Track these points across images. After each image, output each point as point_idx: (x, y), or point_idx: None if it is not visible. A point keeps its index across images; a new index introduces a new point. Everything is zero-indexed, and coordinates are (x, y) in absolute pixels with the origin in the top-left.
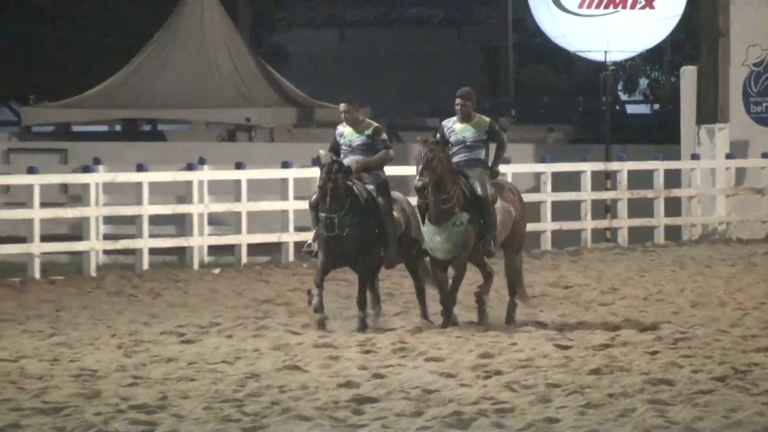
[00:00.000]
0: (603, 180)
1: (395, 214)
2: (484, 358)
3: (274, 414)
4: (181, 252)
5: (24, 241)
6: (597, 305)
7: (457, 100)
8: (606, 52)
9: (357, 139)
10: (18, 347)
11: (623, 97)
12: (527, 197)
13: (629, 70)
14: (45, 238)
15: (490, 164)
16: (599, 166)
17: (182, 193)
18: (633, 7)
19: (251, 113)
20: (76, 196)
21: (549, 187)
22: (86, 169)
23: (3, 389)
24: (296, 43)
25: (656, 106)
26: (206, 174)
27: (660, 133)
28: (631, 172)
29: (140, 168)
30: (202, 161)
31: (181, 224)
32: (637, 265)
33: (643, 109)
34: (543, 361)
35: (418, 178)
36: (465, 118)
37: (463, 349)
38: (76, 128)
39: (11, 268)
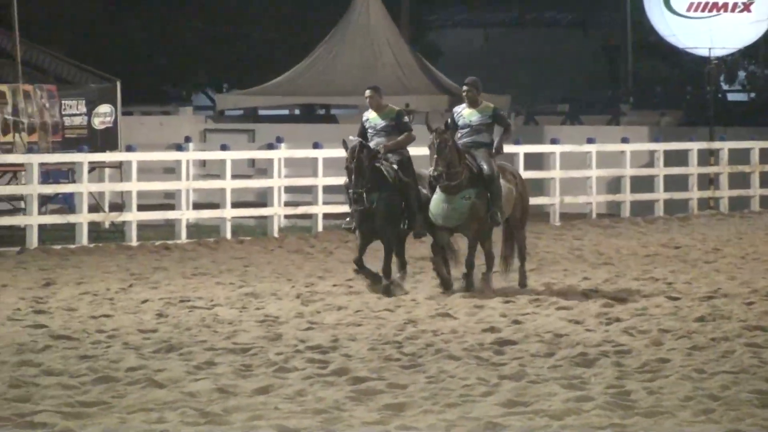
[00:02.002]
0: (707, 157)
1: (423, 190)
2: (606, 307)
3: (428, 354)
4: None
5: (218, 207)
6: (702, 263)
7: (464, 87)
8: (710, 48)
9: (381, 123)
10: (212, 296)
11: (724, 86)
12: (643, 171)
13: (730, 64)
14: (235, 205)
15: (495, 145)
16: (704, 145)
17: None
18: (733, 10)
19: (410, 100)
20: (261, 169)
21: (661, 162)
22: (270, 147)
23: (200, 332)
24: (448, 41)
25: (752, 95)
26: None
27: (755, 118)
28: (731, 150)
29: (316, 146)
30: None
31: None
32: (735, 229)
33: (741, 97)
34: (656, 310)
35: (433, 168)
36: (472, 104)
37: (588, 300)
38: (262, 112)
39: (207, 230)
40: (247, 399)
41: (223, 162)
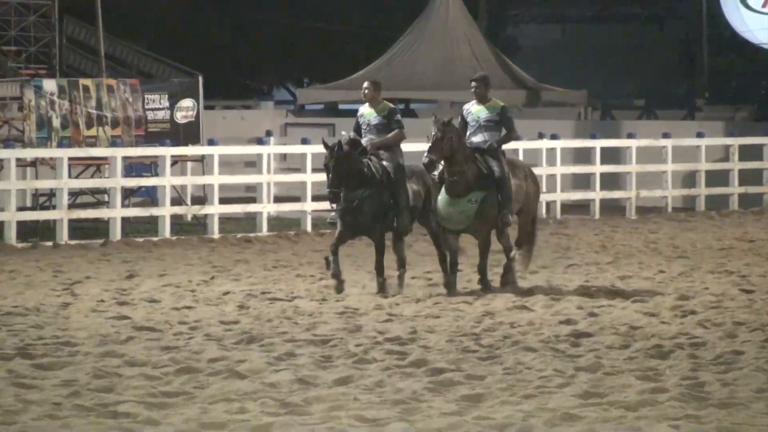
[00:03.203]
0: None
1: (414, 186)
2: (681, 300)
3: (505, 346)
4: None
5: (298, 200)
6: None
7: (473, 84)
8: None
9: (374, 119)
10: (293, 289)
11: None
12: (718, 166)
13: None
14: (315, 198)
15: (491, 142)
16: None
17: None
18: None
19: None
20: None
21: (736, 157)
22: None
23: (280, 324)
24: (525, 37)
25: None
26: None
27: None
28: None
29: None
30: None
31: None
32: None
33: None
34: (730, 303)
35: (425, 155)
36: (480, 100)
37: (663, 293)
38: (342, 106)
39: (287, 223)
40: (326, 390)
41: (303, 156)
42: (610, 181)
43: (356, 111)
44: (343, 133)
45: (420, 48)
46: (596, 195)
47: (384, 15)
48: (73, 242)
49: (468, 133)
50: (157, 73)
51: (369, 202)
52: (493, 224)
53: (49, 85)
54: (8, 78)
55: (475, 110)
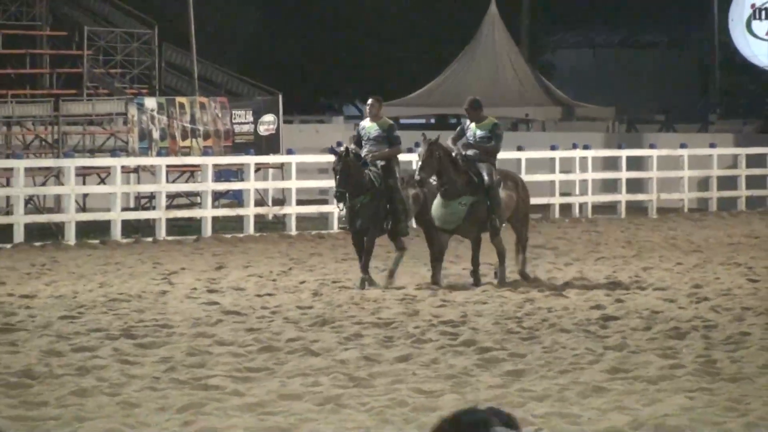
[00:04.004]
0: None
1: (412, 191)
2: (696, 288)
3: (543, 327)
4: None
5: None
6: None
7: (465, 109)
8: None
9: (374, 132)
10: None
11: None
12: (728, 172)
13: None
14: None
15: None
16: None
17: None
18: None
19: (529, 110)
20: (403, 169)
21: (744, 164)
22: (409, 151)
23: (348, 309)
24: (561, 59)
25: None
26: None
27: None
28: None
29: None
30: None
31: None
32: None
33: None
34: (738, 291)
35: (417, 173)
36: (476, 120)
37: (680, 282)
38: (402, 121)
39: None
40: (389, 366)
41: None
42: (635, 186)
43: (413, 125)
44: (345, 145)
45: (469, 70)
46: (622, 197)
47: (439, 41)
48: (170, 238)
49: (465, 147)
50: (243, 92)
51: (367, 206)
52: (481, 227)
53: (150, 102)
54: (115, 96)
55: (473, 128)
